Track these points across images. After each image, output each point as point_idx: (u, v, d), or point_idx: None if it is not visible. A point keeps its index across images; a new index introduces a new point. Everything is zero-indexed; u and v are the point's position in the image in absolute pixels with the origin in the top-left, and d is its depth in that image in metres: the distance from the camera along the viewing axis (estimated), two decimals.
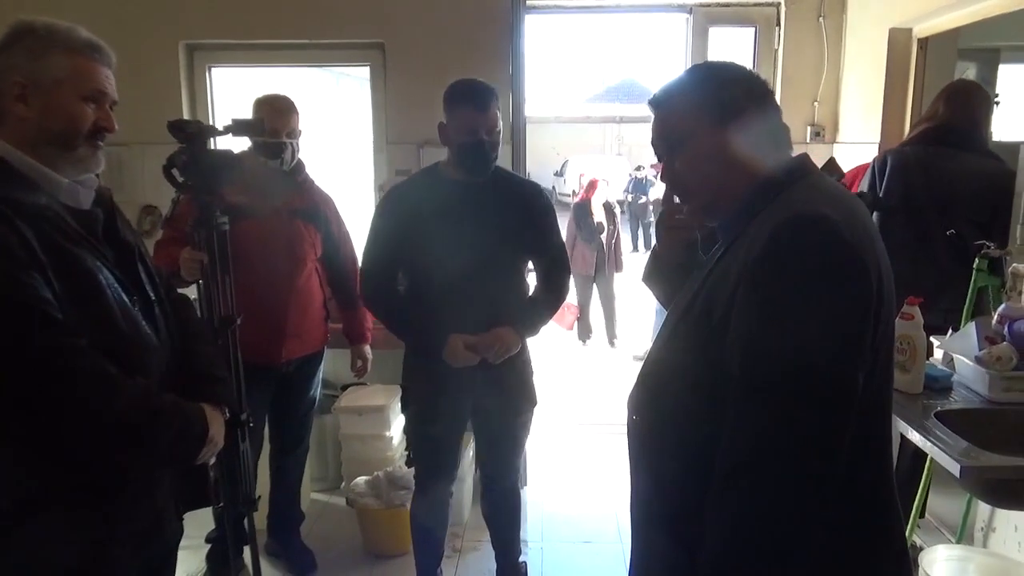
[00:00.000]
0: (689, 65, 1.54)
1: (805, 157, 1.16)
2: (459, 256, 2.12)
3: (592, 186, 6.64)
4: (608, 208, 6.58)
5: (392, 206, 2.25)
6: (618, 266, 6.63)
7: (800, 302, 0.96)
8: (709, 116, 1.11)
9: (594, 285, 6.66)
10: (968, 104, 2.61)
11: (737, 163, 1.11)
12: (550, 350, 5.75)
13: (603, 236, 6.47)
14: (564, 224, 5.31)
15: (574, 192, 19.82)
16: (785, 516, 0.96)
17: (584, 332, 6.75)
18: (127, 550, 1.40)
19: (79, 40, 1.36)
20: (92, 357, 1.28)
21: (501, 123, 2.20)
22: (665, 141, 1.17)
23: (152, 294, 1.48)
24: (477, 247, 2.13)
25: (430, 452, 2.39)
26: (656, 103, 1.18)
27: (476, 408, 2.34)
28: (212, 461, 1.57)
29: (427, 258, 2.18)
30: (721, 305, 1.04)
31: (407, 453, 3.22)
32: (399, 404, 3.30)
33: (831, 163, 2.23)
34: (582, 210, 6.57)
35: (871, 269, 0.98)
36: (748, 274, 1.00)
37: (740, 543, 0.98)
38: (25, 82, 1.31)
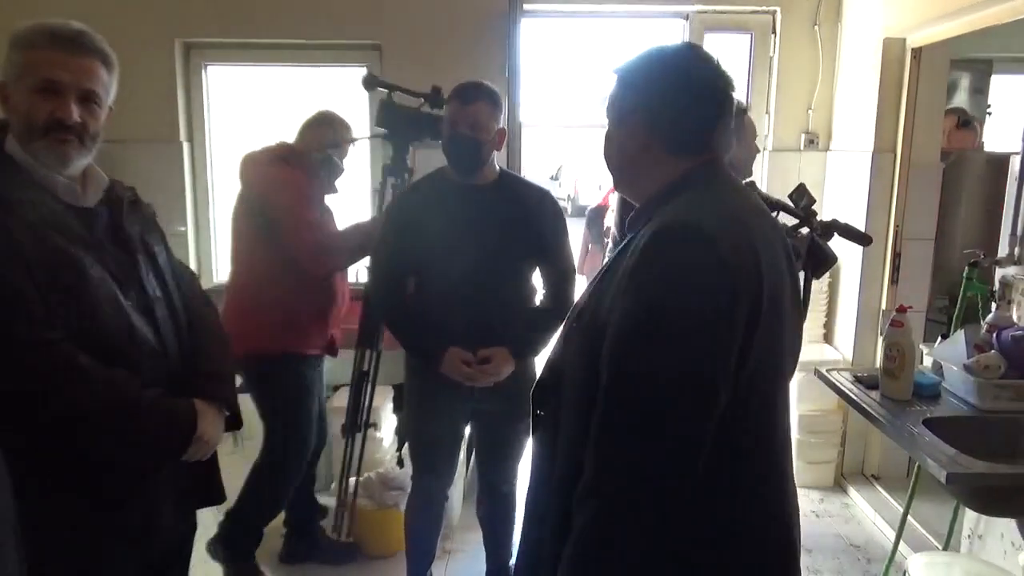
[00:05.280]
0: None
1: (712, 162, 1.16)
2: (459, 261, 2.11)
3: (609, 192, 6.66)
4: None
5: (397, 210, 2.26)
6: None
7: (663, 314, 0.98)
8: (660, 132, 1.13)
9: None
10: None
11: (662, 164, 1.14)
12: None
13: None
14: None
15: (569, 196, 19.88)
16: (631, 538, 0.99)
17: None
18: (120, 546, 1.39)
19: (42, 32, 1.34)
20: (68, 351, 1.28)
21: (494, 122, 2.15)
22: (615, 112, 1.20)
23: (156, 292, 1.47)
24: (478, 252, 2.11)
25: (427, 452, 2.37)
26: (620, 75, 1.19)
27: (476, 412, 2.32)
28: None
29: (429, 263, 2.17)
30: (604, 310, 1.06)
31: (398, 454, 3.23)
32: (391, 404, 3.32)
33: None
34: (596, 215, 6.57)
35: (741, 278, 0.99)
36: (623, 280, 1.03)
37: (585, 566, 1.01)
38: (5, 81, 1.35)
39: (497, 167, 2.26)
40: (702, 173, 1.13)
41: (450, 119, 2.13)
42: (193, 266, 3.77)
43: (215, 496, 1.63)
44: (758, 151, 2.40)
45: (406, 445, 3.18)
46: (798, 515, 1.18)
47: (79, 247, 1.33)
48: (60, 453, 1.31)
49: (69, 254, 1.31)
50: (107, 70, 1.41)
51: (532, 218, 2.22)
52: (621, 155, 1.19)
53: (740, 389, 1.00)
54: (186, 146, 3.68)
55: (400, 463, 3.16)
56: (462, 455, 3.04)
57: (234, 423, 1.62)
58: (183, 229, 3.70)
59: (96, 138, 1.41)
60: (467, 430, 2.57)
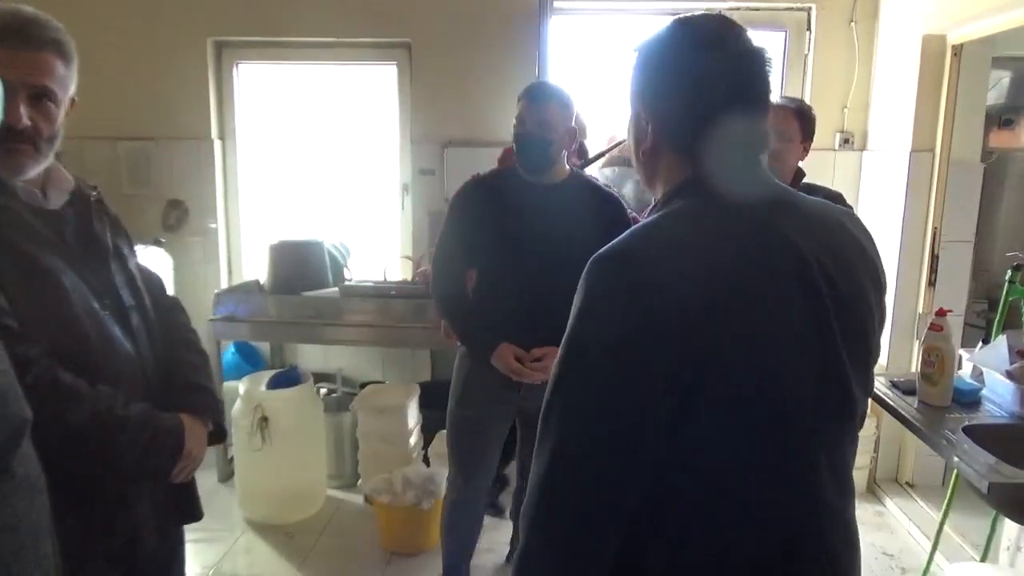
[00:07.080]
0: None
1: (699, 175, 1.01)
2: (518, 257, 2.13)
3: None
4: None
5: (462, 201, 2.26)
6: None
7: (576, 342, 0.94)
8: (663, 129, 1.02)
9: None
10: None
11: (669, 164, 1.04)
12: None
13: None
14: None
15: None
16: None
17: None
18: (100, 567, 1.31)
19: None
20: (46, 367, 1.19)
21: (564, 122, 2.14)
22: (632, 97, 1.08)
23: (130, 299, 1.38)
24: (538, 250, 2.12)
25: (471, 448, 2.36)
26: (638, 55, 1.05)
27: (522, 409, 2.32)
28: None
29: (488, 257, 2.19)
30: None
31: (424, 452, 3.23)
32: (417, 402, 3.32)
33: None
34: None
35: (665, 302, 0.89)
36: None
37: None
38: None
39: (568, 167, 2.26)
40: (691, 186, 1.01)
41: (520, 118, 2.14)
42: (223, 262, 3.82)
43: (193, 513, 1.53)
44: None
45: (432, 442, 3.19)
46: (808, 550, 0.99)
47: (49, 253, 1.24)
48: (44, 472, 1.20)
49: (40, 261, 1.21)
50: (64, 62, 1.26)
51: (596, 221, 2.16)
52: (635, 151, 1.07)
53: (694, 413, 0.91)
54: (217, 144, 3.72)
55: (426, 461, 3.17)
56: None
57: (218, 437, 1.54)
58: (214, 226, 3.75)
59: (53, 140, 1.26)
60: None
